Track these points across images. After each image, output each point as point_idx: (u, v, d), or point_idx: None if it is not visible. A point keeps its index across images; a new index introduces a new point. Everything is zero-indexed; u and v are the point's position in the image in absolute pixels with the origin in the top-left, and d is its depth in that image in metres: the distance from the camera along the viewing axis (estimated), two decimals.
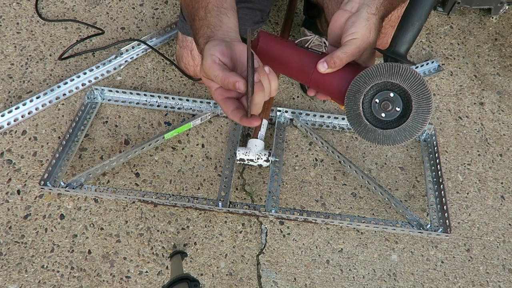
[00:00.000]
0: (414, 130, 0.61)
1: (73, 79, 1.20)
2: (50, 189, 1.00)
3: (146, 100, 1.19)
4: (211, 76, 0.63)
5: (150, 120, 1.17)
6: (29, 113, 1.14)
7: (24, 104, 1.13)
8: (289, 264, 0.97)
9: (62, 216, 0.99)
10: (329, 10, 0.99)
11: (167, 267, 0.95)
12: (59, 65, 1.26)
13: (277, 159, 1.10)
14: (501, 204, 1.11)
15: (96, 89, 1.17)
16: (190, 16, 0.76)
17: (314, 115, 1.19)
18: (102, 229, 0.98)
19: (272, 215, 1.01)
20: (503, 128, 1.26)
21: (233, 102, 0.64)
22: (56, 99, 1.17)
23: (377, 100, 0.63)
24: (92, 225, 0.99)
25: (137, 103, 1.19)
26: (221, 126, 1.17)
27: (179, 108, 1.19)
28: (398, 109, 0.62)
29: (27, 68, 1.24)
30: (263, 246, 0.99)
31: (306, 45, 1.28)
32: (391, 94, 0.62)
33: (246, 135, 1.16)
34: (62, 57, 1.26)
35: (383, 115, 0.63)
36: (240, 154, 1.06)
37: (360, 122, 0.65)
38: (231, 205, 1.02)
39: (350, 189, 1.09)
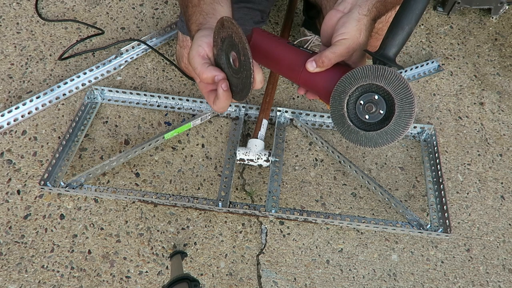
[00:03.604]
0: (395, 134, 0.61)
1: (73, 79, 1.21)
2: (50, 189, 1.00)
3: (146, 100, 1.19)
4: (192, 67, 0.64)
5: (150, 120, 1.17)
6: (29, 113, 1.14)
7: (24, 104, 1.13)
8: (289, 264, 0.97)
9: (62, 216, 0.99)
10: (327, 11, 0.99)
11: (167, 267, 0.95)
12: (59, 65, 1.26)
13: (277, 159, 1.10)
14: (501, 204, 1.11)
15: (96, 89, 1.17)
16: (183, 3, 0.76)
17: (314, 115, 1.19)
18: (102, 229, 0.98)
19: (272, 215, 1.01)
20: (503, 128, 1.26)
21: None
22: (56, 99, 1.17)
23: (361, 102, 0.63)
24: (92, 225, 0.99)
25: (137, 103, 1.19)
26: (221, 126, 1.17)
27: (179, 108, 1.19)
28: (381, 111, 0.62)
29: (27, 68, 1.24)
30: (263, 246, 0.99)
31: (306, 45, 1.28)
32: (376, 97, 0.62)
33: (246, 135, 1.16)
34: (62, 57, 1.26)
35: (366, 117, 0.63)
36: (240, 154, 1.06)
37: (344, 122, 0.65)
38: (231, 205, 1.02)
39: (350, 189, 1.09)
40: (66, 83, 1.19)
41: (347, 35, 0.66)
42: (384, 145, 0.63)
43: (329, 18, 0.70)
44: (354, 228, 1.03)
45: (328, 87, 0.67)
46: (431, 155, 1.15)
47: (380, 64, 0.63)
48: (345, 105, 0.64)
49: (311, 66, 0.67)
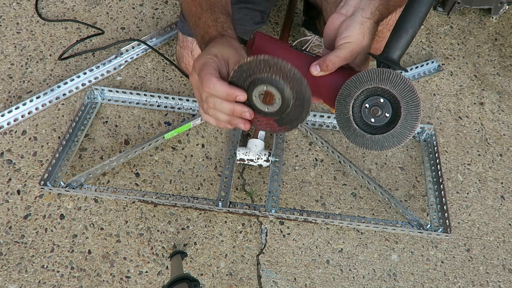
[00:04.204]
0: (402, 137, 0.62)
1: (73, 79, 1.20)
2: (50, 189, 1.00)
3: (146, 100, 1.19)
4: (224, 56, 0.62)
5: (150, 120, 1.17)
6: (29, 113, 1.14)
7: (24, 104, 1.13)
8: (289, 264, 0.97)
9: (62, 216, 0.99)
10: (327, 13, 0.99)
11: (167, 267, 0.95)
12: (59, 65, 1.26)
13: (277, 159, 1.10)
14: (501, 204, 1.11)
15: (96, 89, 1.17)
16: (195, 17, 0.76)
17: (314, 115, 1.19)
18: (102, 229, 0.98)
19: (272, 215, 1.01)
20: (503, 128, 1.26)
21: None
22: (56, 99, 1.17)
23: (367, 105, 0.63)
24: (92, 225, 0.99)
25: (137, 103, 1.19)
26: None
27: (179, 108, 1.19)
28: (387, 115, 0.62)
29: (27, 68, 1.24)
30: (263, 246, 0.99)
31: (306, 45, 1.28)
32: (381, 100, 0.62)
33: (246, 135, 1.16)
34: (62, 57, 1.26)
35: (372, 120, 0.63)
36: (240, 154, 1.06)
37: (350, 126, 0.65)
38: (231, 205, 1.02)
39: (350, 189, 1.09)
40: (66, 83, 1.19)
41: (350, 38, 0.66)
42: (391, 148, 0.63)
43: (332, 21, 0.70)
44: (354, 228, 1.03)
45: (332, 90, 0.68)
46: (431, 155, 1.15)
47: (384, 67, 0.63)
48: (351, 108, 0.64)
49: (315, 70, 0.67)
